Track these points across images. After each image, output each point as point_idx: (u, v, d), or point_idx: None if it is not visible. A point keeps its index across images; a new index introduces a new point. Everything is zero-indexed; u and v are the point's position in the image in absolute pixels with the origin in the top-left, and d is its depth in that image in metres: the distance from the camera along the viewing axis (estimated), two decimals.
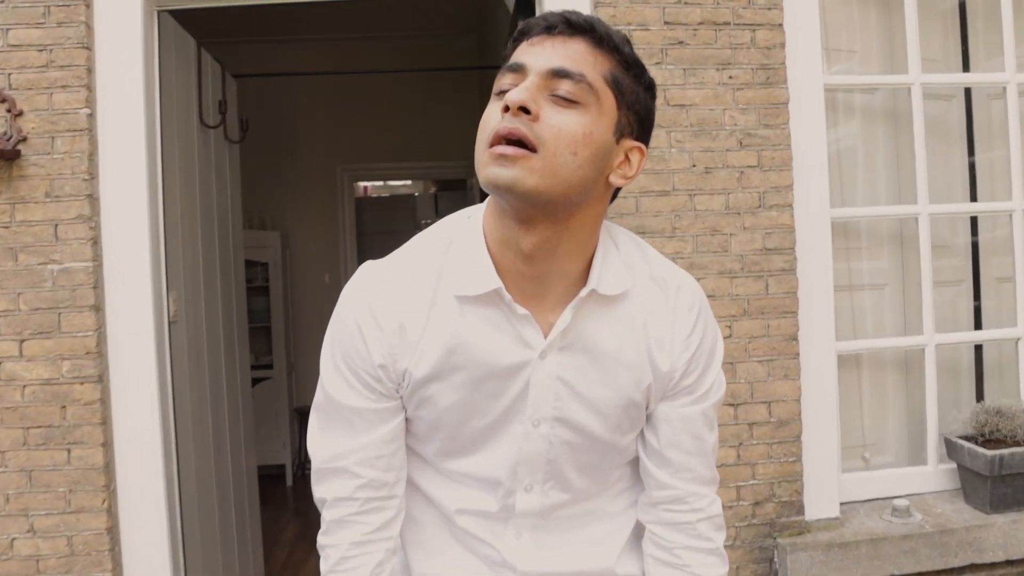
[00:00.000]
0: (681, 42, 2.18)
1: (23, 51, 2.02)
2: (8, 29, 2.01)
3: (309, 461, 1.07)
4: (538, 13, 2.12)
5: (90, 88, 2.04)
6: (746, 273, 2.20)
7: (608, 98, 0.92)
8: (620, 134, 0.94)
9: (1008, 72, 2.44)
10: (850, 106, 2.55)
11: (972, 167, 2.61)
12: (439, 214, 7.10)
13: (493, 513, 1.06)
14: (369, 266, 1.04)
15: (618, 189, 1.00)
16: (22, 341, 2.01)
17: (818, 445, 2.25)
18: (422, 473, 1.09)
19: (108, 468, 2.05)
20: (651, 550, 1.10)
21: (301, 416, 5.45)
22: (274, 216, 5.52)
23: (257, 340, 5.10)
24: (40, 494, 2.02)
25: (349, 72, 4.50)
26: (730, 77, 2.19)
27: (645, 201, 2.17)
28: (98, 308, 2.04)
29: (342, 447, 1.02)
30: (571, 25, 0.91)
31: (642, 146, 0.98)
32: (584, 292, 0.98)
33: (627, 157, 0.96)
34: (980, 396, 2.56)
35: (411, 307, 0.99)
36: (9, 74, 2.01)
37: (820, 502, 2.26)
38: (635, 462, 1.11)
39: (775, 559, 2.19)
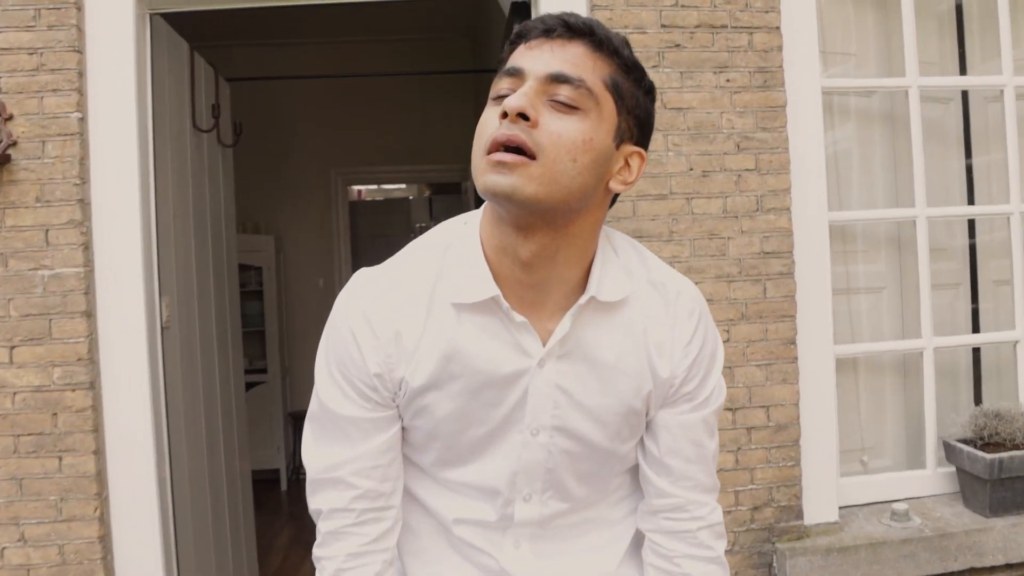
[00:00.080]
0: (678, 45, 2.17)
1: (13, 54, 1.99)
2: None
3: (303, 466, 1.06)
4: (534, 16, 2.11)
5: (81, 92, 2.02)
6: (744, 277, 2.19)
7: (608, 103, 0.90)
8: (620, 139, 0.93)
9: (1005, 75, 2.44)
10: (847, 109, 2.55)
11: (969, 170, 2.60)
12: (434, 217, 7.10)
13: (491, 523, 1.05)
14: (364, 273, 1.02)
15: (617, 195, 0.98)
16: (12, 348, 1.99)
17: (817, 449, 2.25)
18: (419, 483, 1.07)
19: (100, 476, 2.02)
20: (651, 559, 1.08)
21: (295, 420, 5.43)
22: (268, 220, 5.51)
23: (251, 344, 5.08)
24: (31, 502, 1.99)
25: (343, 75, 4.48)
26: (727, 80, 2.18)
27: (642, 205, 2.16)
28: (89, 314, 2.02)
29: (337, 457, 1.00)
30: (570, 28, 0.90)
31: (642, 151, 0.96)
32: (583, 299, 0.96)
33: (627, 162, 0.95)
34: (978, 399, 2.55)
35: (407, 315, 0.97)
36: None
37: (819, 506, 2.25)
38: (635, 470, 1.10)
39: (774, 564, 2.18)
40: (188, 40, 2.56)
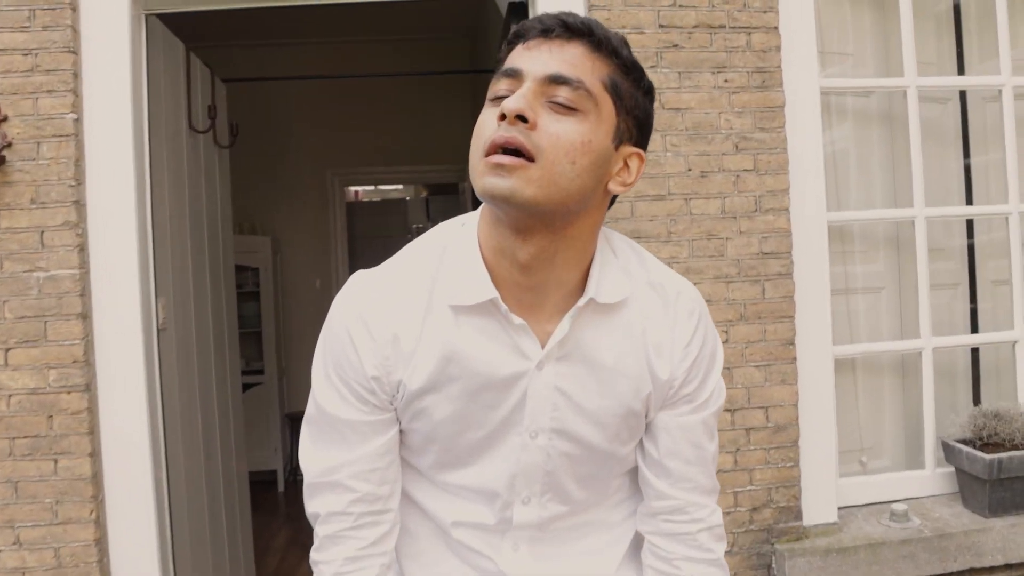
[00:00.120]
0: (676, 45, 2.17)
1: (8, 55, 1.98)
2: None
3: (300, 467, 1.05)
4: (531, 16, 2.10)
5: (76, 93, 2.01)
6: (742, 277, 2.19)
7: (607, 104, 0.90)
8: (619, 140, 0.92)
9: (1003, 75, 2.43)
10: (846, 109, 2.54)
11: (968, 170, 2.60)
12: (430, 218, 7.09)
13: (490, 526, 1.04)
14: (361, 275, 1.02)
15: (616, 196, 0.97)
16: (7, 350, 1.98)
17: (815, 450, 2.24)
18: (417, 485, 1.07)
19: (96, 478, 2.01)
20: (650, 561, 1.08)
21: (292, 422, 5.42)
22: (265, 221, 5.49)
23: (248, 345, 5.06)
24: (26, 505, 1.98)
25: (340, 76, 4.48)
26: (725, 80, 2.18)
27: (640, 205, 2.15)
28: (85, 316, 2.01)
29: (335, 460, 0.99)
30: (568, 28, 0.89)
31: (641, 152, 0.96)
32: (582, 301, 0.96)
33: (626, 164, 0.94)
34: (977, 399, 2.55)
35: (404, 317, 0.96)
36: None
37: (818, 507, 2.24)
38: (634, 472, 1.09)
39: (773, 565, 2.18)
40: (185, 40, 2.55)
